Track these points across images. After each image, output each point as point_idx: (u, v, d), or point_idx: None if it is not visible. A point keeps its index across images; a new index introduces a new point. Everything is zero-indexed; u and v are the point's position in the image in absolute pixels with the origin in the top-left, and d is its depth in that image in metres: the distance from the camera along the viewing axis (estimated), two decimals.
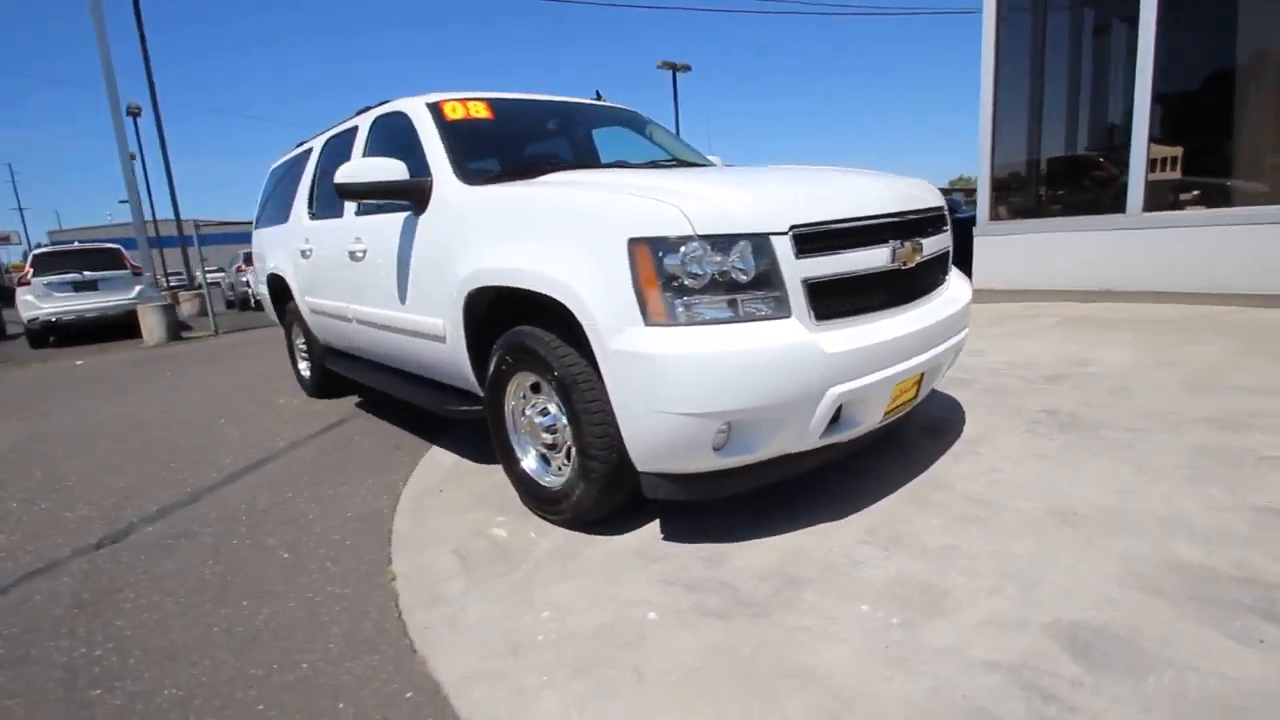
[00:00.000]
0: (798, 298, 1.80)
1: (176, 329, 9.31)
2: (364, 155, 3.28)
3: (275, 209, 4.73)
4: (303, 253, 3.95)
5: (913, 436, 2.73)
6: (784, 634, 1.58)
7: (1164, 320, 4.46)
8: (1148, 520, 1.94)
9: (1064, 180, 6.58)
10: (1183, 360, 3.48)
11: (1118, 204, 5.65)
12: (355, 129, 3.45)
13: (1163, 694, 1.29)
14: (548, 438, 2.22)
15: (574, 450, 2.08)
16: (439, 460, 3.07)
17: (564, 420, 2.15)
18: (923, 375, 2.17)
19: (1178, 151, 5.65)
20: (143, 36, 14.11)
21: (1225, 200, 5.41)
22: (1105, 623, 1.51)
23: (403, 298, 2.85)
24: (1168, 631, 1.46)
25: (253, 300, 14.47)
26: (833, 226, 1.88)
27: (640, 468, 1.93)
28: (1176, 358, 3.54)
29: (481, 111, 2.94)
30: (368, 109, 3.63)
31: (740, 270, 1.74)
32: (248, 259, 15.66)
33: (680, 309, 1.74)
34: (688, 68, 26.39)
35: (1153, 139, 5.45)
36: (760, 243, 1.75)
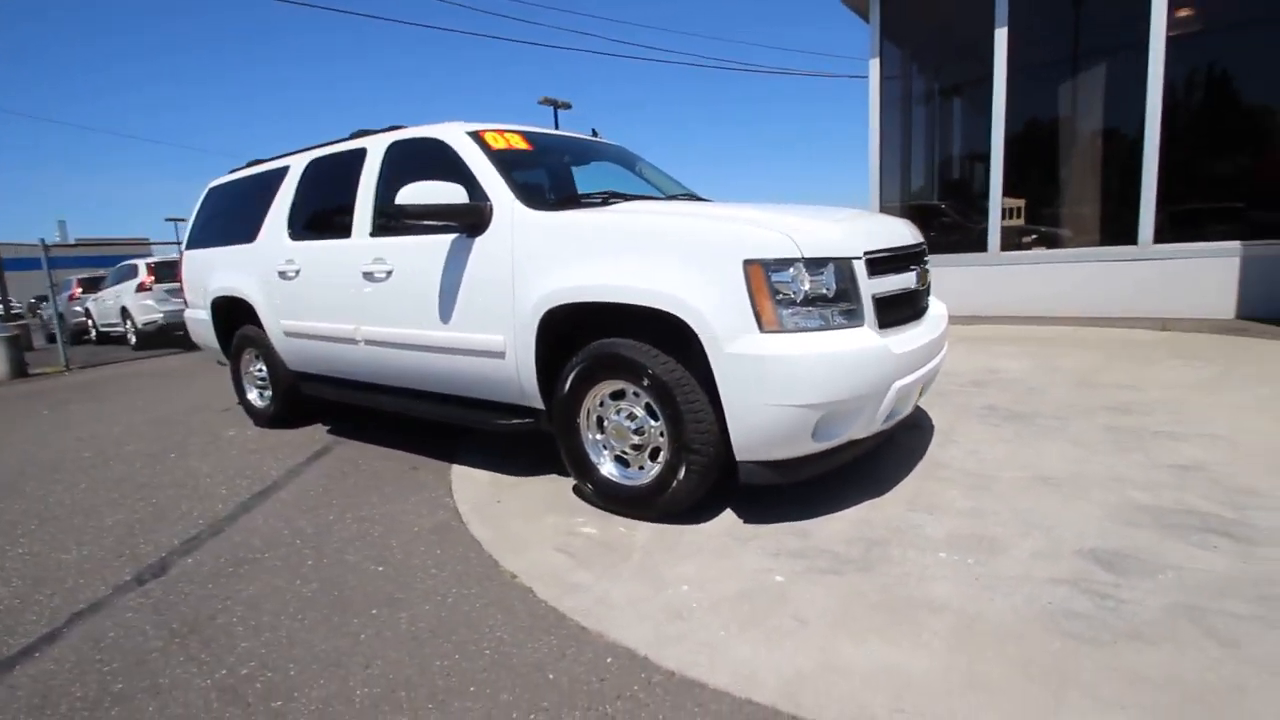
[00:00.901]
0: (869, 310, 2.23)
1: (22, 365, 8.00)
2: (379, 179, 3.32)
3: (225, 229, 4.46)
4: (282, 274, 3.80)
5: (897, 431, 3.25)
6: (893, 579, 1.95)
7: (1033, 338, 5.52)
8: (1103, 478, 2.56)
9: (931, 224, 7.83)
10: (1063, 367, 4.40)
11: (982, 245, 6.87)
12: (362, 152, 3.45)
13: (1172, 585, 1.81)
14: (636, 439, 2.45)
15: (669, 448, 2.33)
16: (472, 476, 3.13)
17: (653, 423, 2.40)
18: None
19: (1022, 203, 7.00)
20: None
21: (1056, 243, 6.80)
22: (1113, 547, 2.04)
23: (446, 316, 2.92)
24: (1156, 548, 2.02)
25: (92, 331, 12.64)
26: (888, 253, 2.35)
27: (741, 458, 2.23)
28: (1058, 365, 4.46)
29: (519, 143, 3.13)
30: (365, 132, 3.65)
31: (831, 287, 2.14)
32: (86, 284, 13.74)
33: (787, 318, 2.09)
34: (569, 105, 27.25)
35: (1004, 192, 6.74)
36: (845, 265, 2.16)
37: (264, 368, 4.32)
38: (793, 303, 2.10)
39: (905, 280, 2.46)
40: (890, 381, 2.24)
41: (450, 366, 2.99)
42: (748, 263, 2.09)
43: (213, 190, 4.75)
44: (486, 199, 2.77)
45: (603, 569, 2.14)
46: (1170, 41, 5.65)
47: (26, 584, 2.31)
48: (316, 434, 4.14)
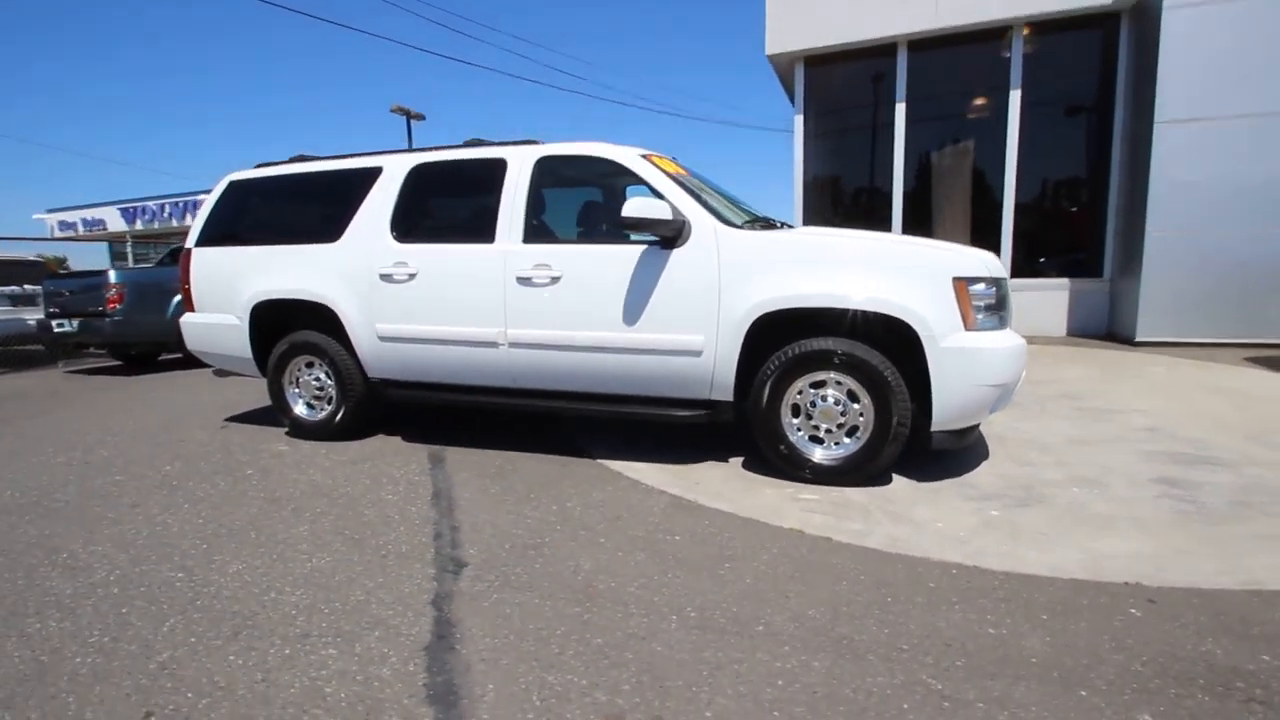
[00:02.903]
0: (1010, 318, 3.06)
1: None
2: (529, 191, 3.49)
3: (272, 226, 4.20)
4: (387, 277, 3.70)
5: None
6: (1066, 507, 2.76)
7: None
8: (1110, 438, 3.67)
9: None
10: None
11: None
12: (500, 162, 3.57)
13: (1217, 491, 2.84)
14: (841, 420, 3.01)
15: (874, 424, 2.93)
16: (635, 469, 3.39)
17: (854, 405, 2.98)
18: None
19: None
20: None
21: None
22: (1166, 475, 3.06)
23: (633, 319, 3.22)
24: (1187, 473, 3.08)
25: None
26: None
27: (936, 428, 2.91)
28: None
29: (678, 169, 3.53)
30: (480, 142, 3.78)
31: (998, 298, 2.92)
32: None
33: (980, 320, 2.84)
34: (422, 116, 26.26)
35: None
36: (1004, 284, 2.97)
37: (324, 376, 4.06)
38: (981, 310, 2.85)
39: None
40: (1022, 370, 3.09)
41: (632, 365, 3.28)
42: (956, 279, 2.80)
43: (236, 185, 4.33)
44: (682, 217, 3.16)
45: (863, 519, 2.67)
46: (1023, 110, 7.58)
47: (323, 592, 2.20)
48: (387, 444, 3.99)
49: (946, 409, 2.86)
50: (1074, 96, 7.67)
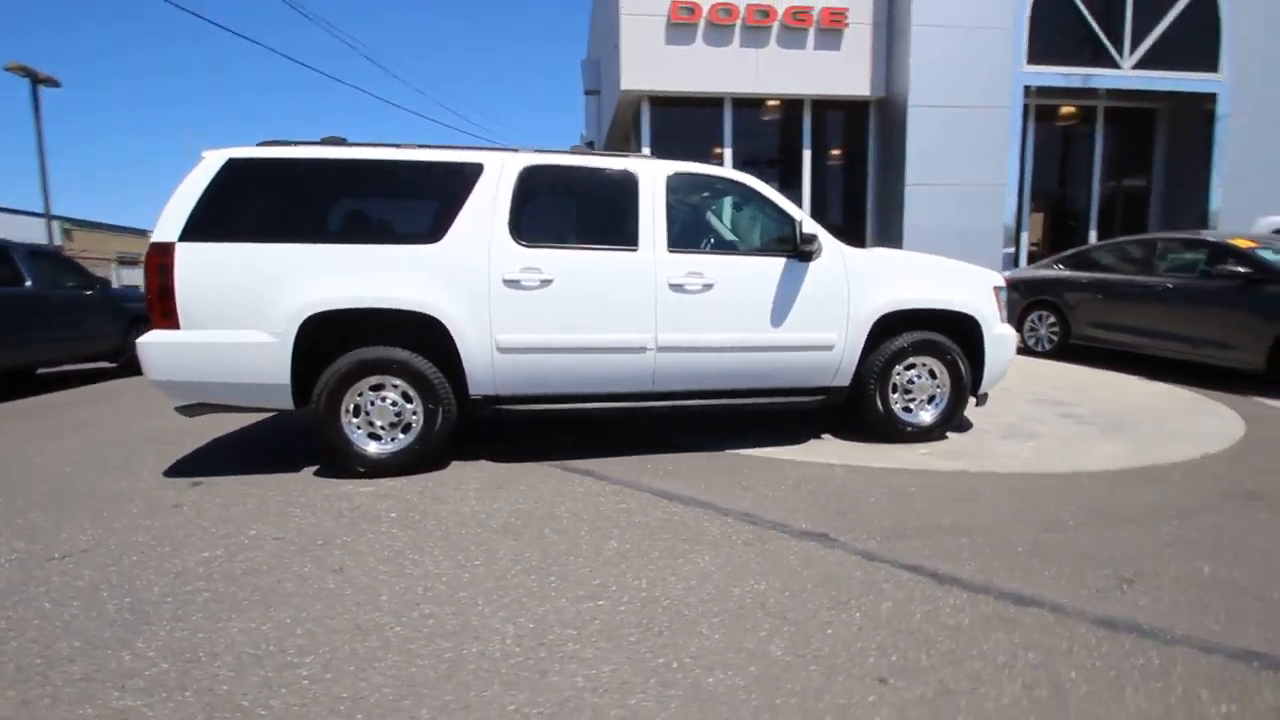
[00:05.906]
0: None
1: None
2: (667, 208, 3.69)
3: (313, 222, 3.45)
4: (513, 282, 3.44)
5: None
6: (1052, 435, 4.23)
7: None
8: (998, 397, 5.46)
9: None
10: None
11: None
12: (628, 174, 3.67)
13: (1088, 415, 4.68)
14: (932, 393, 4.01)
15: (950, 393, 4.02)
16: (765, 452, 3.86)
17: (933, 380, 4.03)
18: None
19: None
20: None
21: None
22: (1057, 413, 4.84)
23: (778, 321, 3.73)
24: (1065, 411, 4.91)
25: None
26: None
27: (982, 391, 4.13)
28: None
29: None
30: (587, 147, 3.86)
31: (1008, 302, 4.29)
32: None
33: (1004, 316, 4.15)
34: (57, 82, 19.55)
35: None
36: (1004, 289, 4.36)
37: (401, 400, 3.48)
38: (1004, 309, 4.17)
39: None
40: None
41: (774, 360, 3.77)
42: (995, 288, 4.07)
43: (240, 165, 3.35)
44: (813, 234, 3.79)
45: (987, 459, 3.70)
46: (812, 165, 9.86)
47: (757, 579, 2.27)
48: (482, 470, 3.63)
49: (990, 377, 4.11)
50: (844, 158, 10.29)
